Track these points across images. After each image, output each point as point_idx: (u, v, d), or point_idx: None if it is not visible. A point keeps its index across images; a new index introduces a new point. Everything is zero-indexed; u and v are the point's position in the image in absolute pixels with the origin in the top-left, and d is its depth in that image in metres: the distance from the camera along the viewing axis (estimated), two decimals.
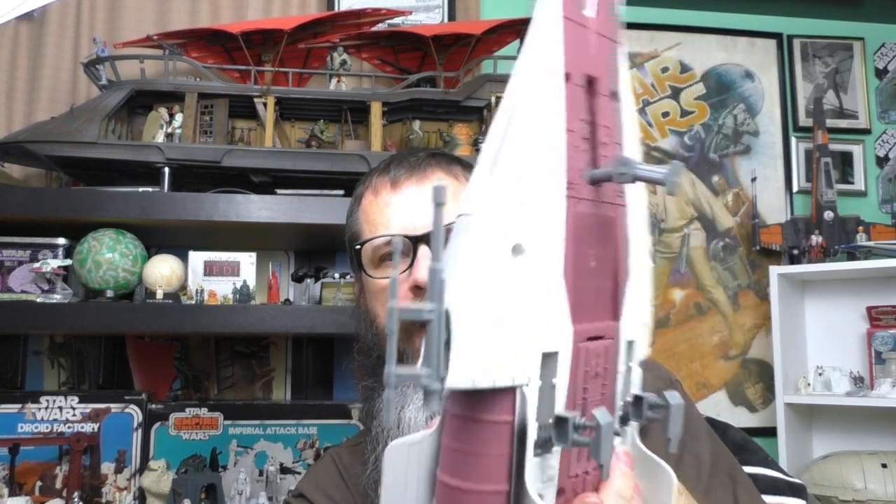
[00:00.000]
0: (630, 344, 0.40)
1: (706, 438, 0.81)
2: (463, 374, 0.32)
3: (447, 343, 0.31)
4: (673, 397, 0.38)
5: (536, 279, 0.34)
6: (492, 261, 0.33)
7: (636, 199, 0.41)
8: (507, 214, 0.33)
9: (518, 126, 0.34)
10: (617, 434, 0.38)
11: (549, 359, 0.35)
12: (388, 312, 0.32)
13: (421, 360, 0.31)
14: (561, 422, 0.35)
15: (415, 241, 0.82)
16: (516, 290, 0.33)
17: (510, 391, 0.34)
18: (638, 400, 0.39)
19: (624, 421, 0.40)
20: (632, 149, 0.39)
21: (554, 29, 0.35)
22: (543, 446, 0.35)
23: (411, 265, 0.82)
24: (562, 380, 0.36)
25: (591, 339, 0.37)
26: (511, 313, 0.33)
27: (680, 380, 0.91)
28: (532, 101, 0.34)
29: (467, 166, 0.94)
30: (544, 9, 0.35)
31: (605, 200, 0.38)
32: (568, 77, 0.35)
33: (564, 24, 0.35)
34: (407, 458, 0.36)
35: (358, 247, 0.87)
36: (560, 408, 0.36)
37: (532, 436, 0.34)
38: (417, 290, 0.81)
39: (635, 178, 0.35)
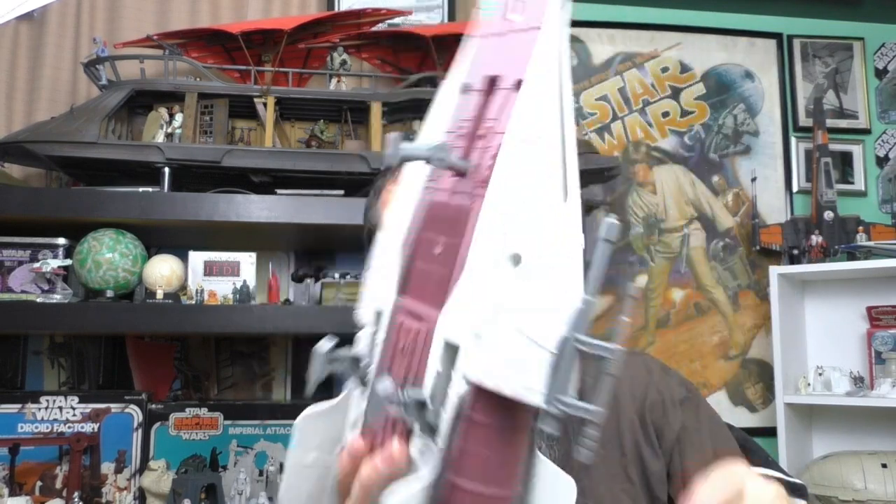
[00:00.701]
0: (450, 347, 0.36)
1: (738, 449, 0.82)
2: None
3: None
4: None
5: (385, 250, 0.43)
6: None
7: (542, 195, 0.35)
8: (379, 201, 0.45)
9: (420, 134, 0.42)
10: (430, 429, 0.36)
11: (378, 316, 0.43)
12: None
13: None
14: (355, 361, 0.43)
15: None
16: (371, 256, 0.44)
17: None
18: (420, 404, 0.36)
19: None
20: (528, 127, 0.36)
21: (466, 50, 0.42)
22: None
23: None
24: (380, 337, 0.42)
25: (411, 314, 0.40)
26: (367, 275, 0.44)
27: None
28: (430, 115, 0.43)
29: None
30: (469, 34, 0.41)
31: (463, 190, 0.38)
32: (466, 87, 0.41)
33: (473, 43, 0.42)
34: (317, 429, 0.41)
35: None
36: (374, 363, 0.42)
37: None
38: None
39: (428, 161, 0.39)
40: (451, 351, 0.36)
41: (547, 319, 0.33)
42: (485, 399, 0.35)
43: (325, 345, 0.41)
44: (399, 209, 0.43)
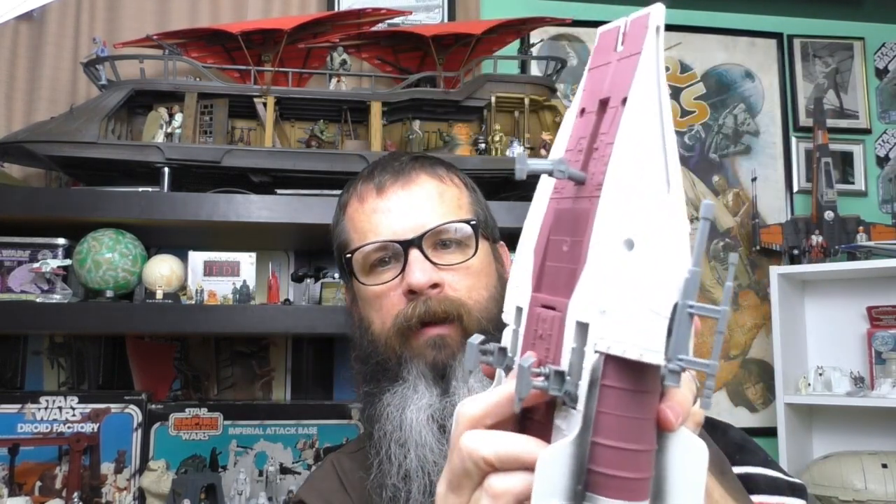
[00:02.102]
0: (581, 325, 0.43)
1: (710, 440, 0.81)
2: None
3: None
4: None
5: (520, 257, 0.49)
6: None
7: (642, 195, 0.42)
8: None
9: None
10: (567, 401, 0.43)
11: (519, 312, 0.48)
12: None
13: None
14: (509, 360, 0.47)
15: (405, 246, 0.83)
16: (517, 261, 0.50)
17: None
18: (559, 374, 0.43)
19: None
20: (637, 135, 0.42)
21: (582, 81, 0.49)
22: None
23: (402, 270, 0.83)
24: (521, 330, 0.48)
25: (545, 307, 0.46)
26: (509, 282, 0.51)
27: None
28: (556, 140, 0.50)
29: (450, 167, 0.94)
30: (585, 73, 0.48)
31: (583, 196, 0.45)
32: (582, 111, 0.47)
33: (588, 75, 0.48)
34: (562, 456, 0.42)
35: (349, 255, 0.87)
36: (518, 353, 0.47)
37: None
38: (411, 295, 0.82)
39: (549, 174, 0.45)
40: (583, 329, 0.42)
41: (661, 290, 0.39)
42: (613, 366, 0.41)
43: (477, 336, 0.47)
44: (530, 221, 0.50)
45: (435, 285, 0.82)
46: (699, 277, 0.39)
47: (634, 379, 0.41)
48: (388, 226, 0.85)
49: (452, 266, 0.85)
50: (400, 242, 0.84)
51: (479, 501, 0.44)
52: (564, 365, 0.43)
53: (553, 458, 0.41)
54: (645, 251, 0.40)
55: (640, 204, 0.41)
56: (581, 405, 0.42)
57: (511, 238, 1.00)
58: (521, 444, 0.44)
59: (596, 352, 0.41)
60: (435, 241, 0.85)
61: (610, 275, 0.41)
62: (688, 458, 0.42)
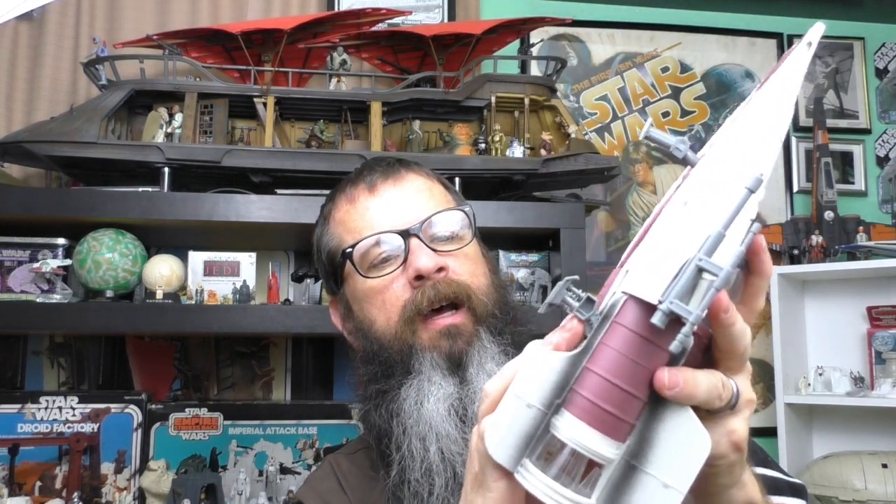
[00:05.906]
0: (626, 272, 0.47)
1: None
2: None
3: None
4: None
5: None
6: None
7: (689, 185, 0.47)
8: None
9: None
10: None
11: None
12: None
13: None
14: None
15: (405, 236, 0.84)
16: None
17: None
18: (589, 301, 0.47)
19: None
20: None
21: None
22: None
23: (404, 261, 0.84)
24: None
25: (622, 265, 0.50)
26: None
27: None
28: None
29: (431, 170, 0.95)
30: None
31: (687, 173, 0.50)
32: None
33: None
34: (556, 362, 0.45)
35: (349, 249, 0.86)
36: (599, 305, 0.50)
37: None
38: (417, 281, 0.83)
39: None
40: (624, 274, 0.46)
41: (687, 243, 0.43)
42: (629, 307, 0.44)
43: (572, 276, 0.49)
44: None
45: (440, 269, 0.83)
46: (721, 240, 0.41)
47: (643, 324, 0.43)
48: (385, 220, 0.86)
49: (451, 252, 0.85)
50: (399, 232, 0.84)
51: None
52: (603, 302, 0.47)
53: (544, 361, 0.45)
54: (692, 210, 0.44)
55: (704, 170, 0.47)
56: (590, 333, 0.45)
57: (513, 238, 1.00)
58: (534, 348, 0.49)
59: (622, 292, 0.44)
60: (432, 233, 0.85)
61: (662, 230, 0.46)
62: (683, 439, 0.43)
